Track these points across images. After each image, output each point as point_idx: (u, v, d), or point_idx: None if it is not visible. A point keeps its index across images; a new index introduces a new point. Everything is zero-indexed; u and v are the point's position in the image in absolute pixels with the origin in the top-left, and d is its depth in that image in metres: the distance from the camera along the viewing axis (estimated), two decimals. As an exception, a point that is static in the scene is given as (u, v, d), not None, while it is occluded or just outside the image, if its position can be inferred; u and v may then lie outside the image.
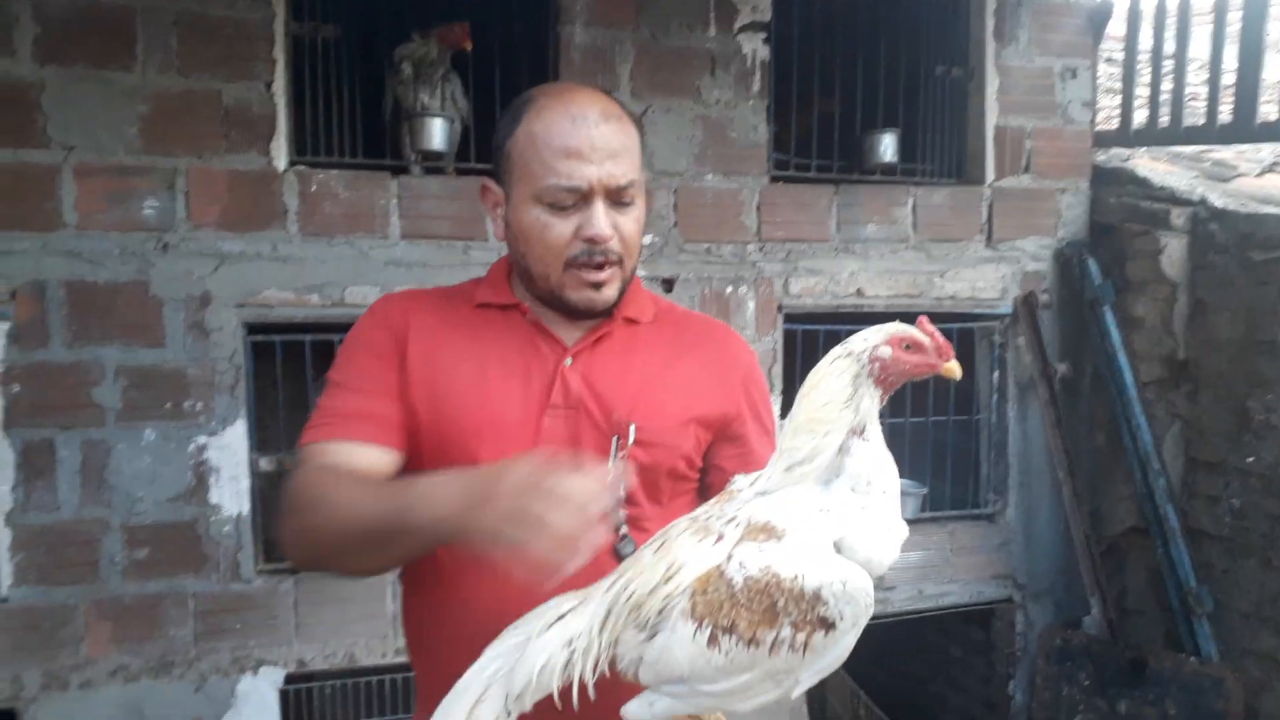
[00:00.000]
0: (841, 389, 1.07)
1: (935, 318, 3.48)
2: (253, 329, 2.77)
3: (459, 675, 1.23)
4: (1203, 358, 3.30)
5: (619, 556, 1.28)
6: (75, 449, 2.62)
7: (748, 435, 1.44)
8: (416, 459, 1.34)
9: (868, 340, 1.08)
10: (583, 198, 1.28)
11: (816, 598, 0.98)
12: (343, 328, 2.76)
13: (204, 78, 2.66)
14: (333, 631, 2.83)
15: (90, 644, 2.65)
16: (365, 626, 2.86)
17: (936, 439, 3.56)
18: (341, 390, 1.34)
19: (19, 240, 2.55)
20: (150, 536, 2.69)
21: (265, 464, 2.83)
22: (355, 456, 1.28)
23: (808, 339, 3.21)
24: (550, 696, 1.05)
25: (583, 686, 1.05)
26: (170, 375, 2.68)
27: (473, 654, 1.22)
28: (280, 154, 2.74)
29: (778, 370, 3.19)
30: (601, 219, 1.28)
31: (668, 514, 1.35)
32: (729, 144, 3.18)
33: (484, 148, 3.06)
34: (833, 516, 1.04)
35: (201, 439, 2.71)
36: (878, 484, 1.06)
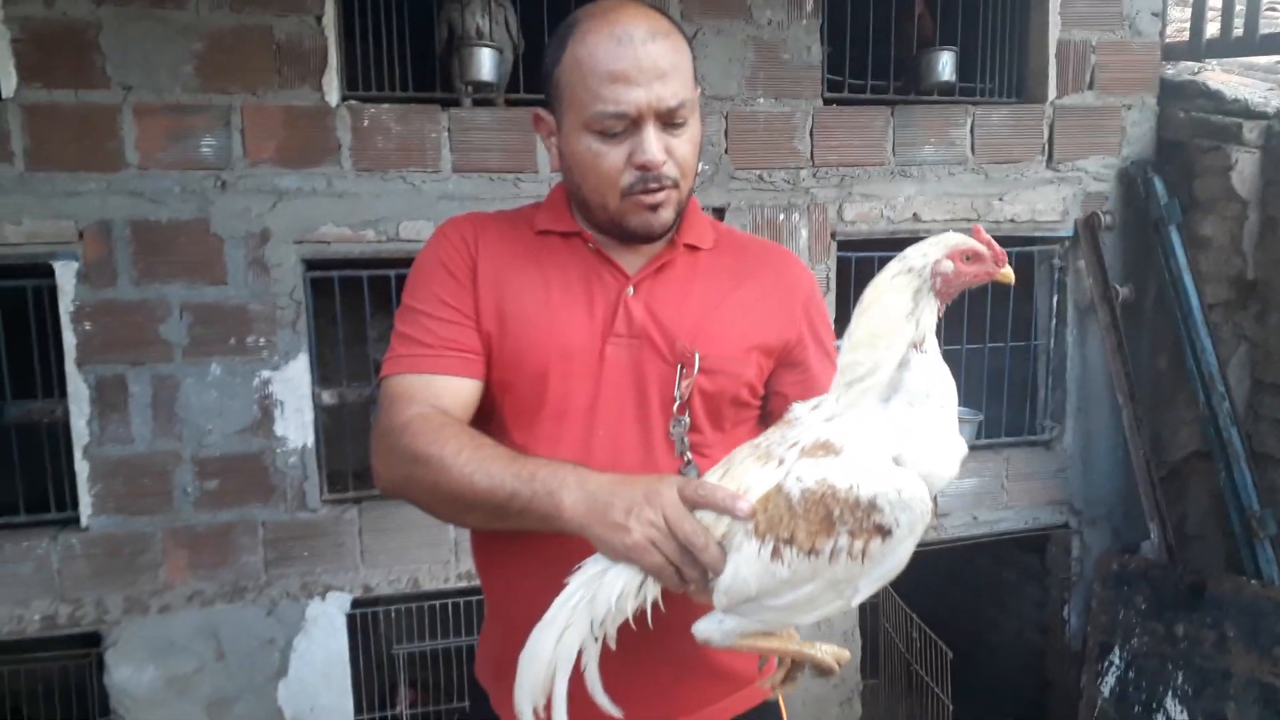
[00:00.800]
0: (903, 304, 1.08)
1: (995, 241, 3.41)
2: (311, 265, 2.84)
3: (528, 591, 1.29)
4: (1272, 277, 3.23)
5: None
6: (146, 384, 2.72)
7: (809, 360, 1.46)
8: (489, 380, 1.37)
9: (927, 255, 1.09)
10: (633, 123, 1.26)
11: (872, 505, 1.00)
12: (398, 263, 2.85)
13: (255, 13, 2.68)
14: (396, 558, 2.94)
15: (167, 570, 2.79)
16: (428, 553, 2.96)
17: (993, 365, 3.55)
18: (422, 318, 1.34)
19: (85, 181, 2.62)
20: (220, 468, 2.80)
21: (327, 397, 2.91)
22: (446, 394, 1.31)
23: (862, 266, 3.20)
24: (627, 621, 1.11)
25: (656, 609, 1.10)
26: (233, 311, 2.76)
27: (540, 571, 1.28)
28: (333, 89, 2.76)
29: (831, 299, 3.19)
30: (653, 144, 1.26)
31: (730, 440, 1.39)
32: (781, 66, 3.13)
33: (533, 78, 3.07)
34: (890, 431, 1.06)
35: (265, 373, 2.80)
36: (936, 398, 1.08)
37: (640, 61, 1.24)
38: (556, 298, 1.35)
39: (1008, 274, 1.11)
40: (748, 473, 1.10)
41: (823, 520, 1.01)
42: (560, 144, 1.35)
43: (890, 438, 1.06)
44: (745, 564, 1.05)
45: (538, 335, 1.33)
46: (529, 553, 1.32)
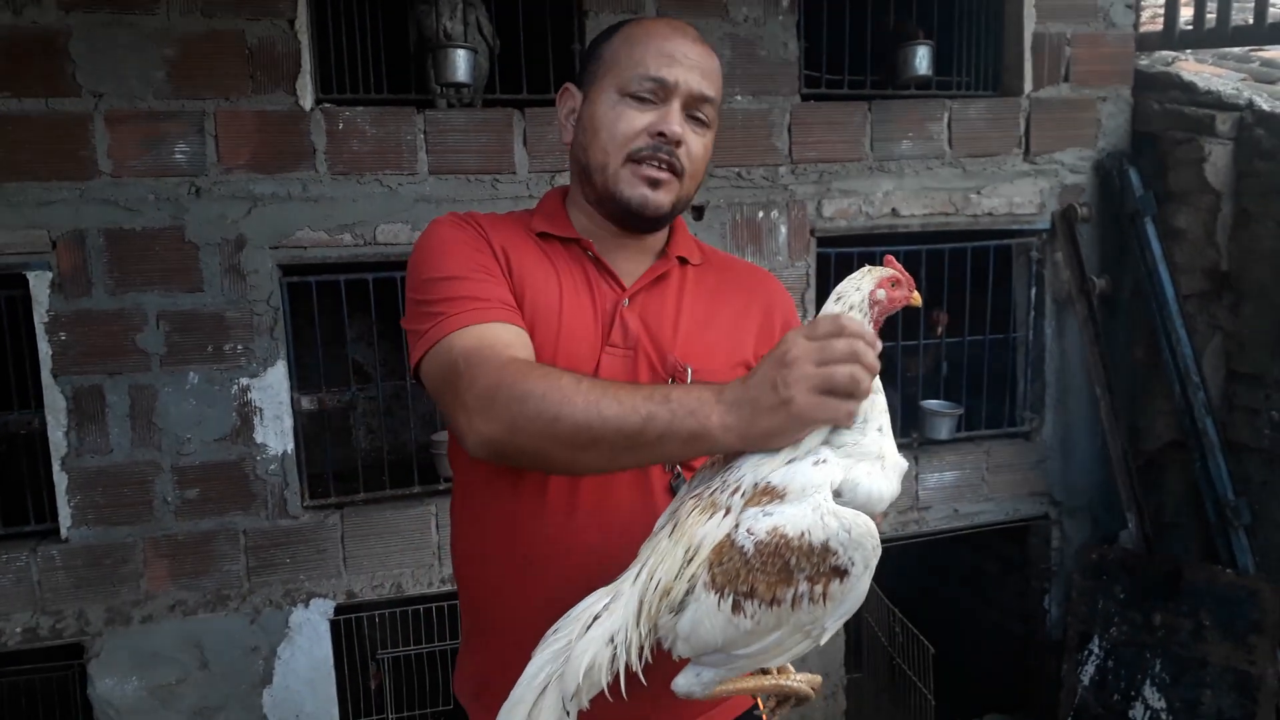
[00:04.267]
0: None
1: (972, 235, 3.57)
2: (287, 270, 2.90)
3: (506, 600, 1.36)
4: (1246, 269, 3.38)
5: (673, 492, 1.40)
6: (123, 394, 2.78)
7: None
8: None
9: (862, 288, 1.16)
10: (665, 96, 1.37)
11: (826, 549, 1.05)
12: (376, 266, 2.93)
13: (227, 17, 2.74)
14: (379, 563, 3.03)
15: (149, 580, 2.86)
16: (411, 557, 3.05)
17: (972, 358, 3.68)
18: (456, 283, 1.32)
19: (57, 190, 2.67)
20: (200, 476, 2.87)
21: (306, 403, 2.99)
22: (519, 345, 1.29)
23: (841, 262, 3.31)
24: (602, 691, 1.14)
25: (633, 675, 1.13)
26: (210, 319, 2.82)
27: (516, 578, 1.34)
28: (306, 93, 2.83)
29: (811, 296, 3.30)
30: (676, 118, 1.37)
31: None
32: (758, 63, 3.23)
33: (509, 79, 3.15)
34: (829, 464, 1.10)
35: (244, 380, 2.87)
36: (873, 420, 1.13)
37: (688, 51, 1.38)
38: (567, 301, 1.41)
39: (917, 298, 1.20)
40: (696, 526, 1.13)
41: (780, 571, 1.06)
42: (583, 110, 1.44)
43: (829, 470, 1.10)
44: (707, 617, 1.09)
45: (549, 335, 1.38)
46: (505, 558, 1.40)
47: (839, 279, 1.23)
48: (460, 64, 2.94)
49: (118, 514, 2.82)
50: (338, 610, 3.03)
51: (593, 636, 1.12)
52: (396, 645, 3.16)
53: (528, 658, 1.16)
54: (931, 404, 3.61)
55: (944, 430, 3.57)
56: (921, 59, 3.45)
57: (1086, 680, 3.48)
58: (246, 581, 2.94)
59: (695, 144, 1.40)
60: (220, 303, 2.82)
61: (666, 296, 1.47)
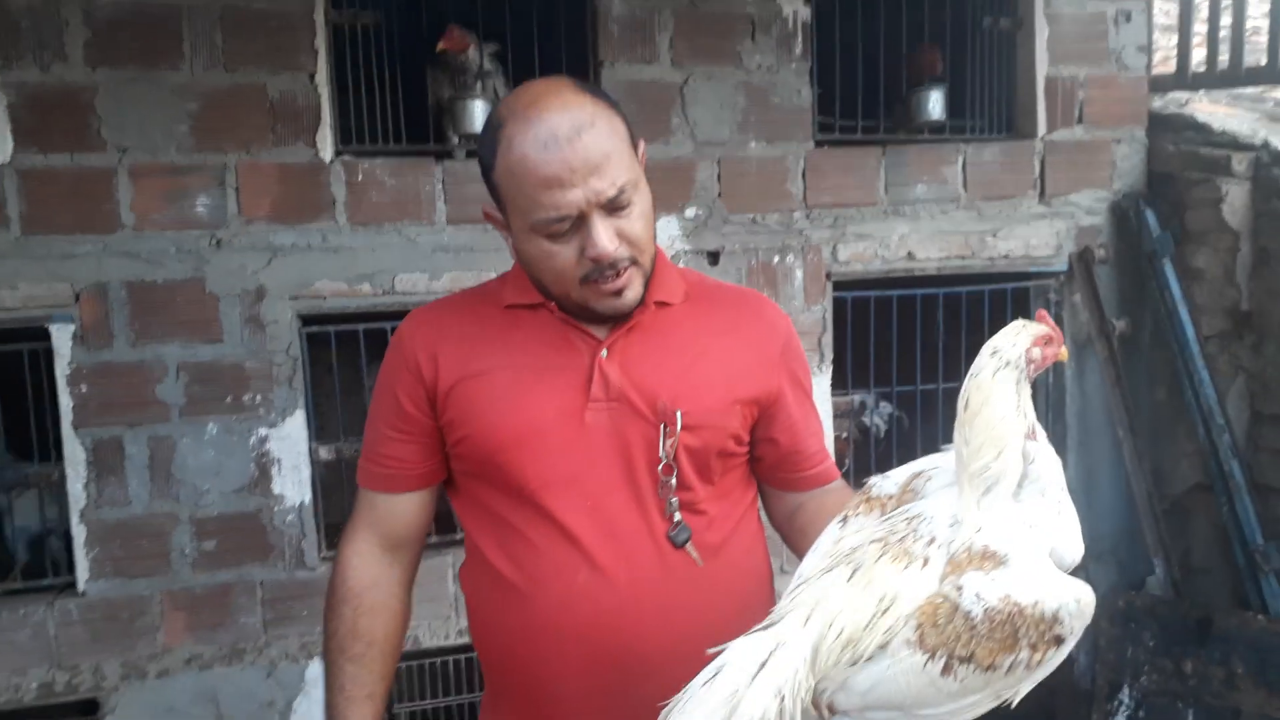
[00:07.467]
0: (1010, 397, 1.14)
1: (988, 278, 3.62)
2: (307, 320, 2.97)
3: (523, 660, 1.38)
4: (1267, 308, 3.41)
5: (674, 544, 1.41)
6: (142, 445, 2.84)
7: (791, 406, 1.54)
8: (466, 465, 1.46)
9: (1017, 345, 1.15)
10: (578, 220, 1.31)
11: (1055, 619, 1.05)
12: (394, 316, 2.99)
13: (249, 72, 2.83)
14: (397, 614, 3.04)
15: (166, 633, 2.89)
16: (427, 609, 3.07)
17: (993, 402, 3.70)
18: (375, 434, 1.52)
19: (81, 243, 2.75)
20: (217, 528, 2.91)
21: (324, 453, 3.03)
22: (392, 512, 1.52)
23: (858, 305, 3.37)
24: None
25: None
26: (229, 370, 2.88)
27: (534, 639, 1.36)
28: (326, 145, 2.91)
29: (828, 340, 3.34)
30: (601, 237, 1.31)
31: (720, 492, 1.48)
32: (772, 110, 3.30)
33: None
34: (1039, 529, 1.11)
35: (262, 431, 2.92)
36: (1058, 481, 1.15)
37: (570, 162, 1.27)
38: (526, 373, 1.42)
39: (1065, 353, 1.20)
40: (890, 576, 1.11)
41: (1007, 638, 1.05)
42: (514, 241, 1.42)
43: (1040, 534, 1.11)
44: (903, 675, 1.07)
45: (506, 415, 1.39)
46: (519, 626, 1.41)
47: (856, 322, 1.26)
48: (477, 115, 3.03)
49: (135, 566, 2.86)
50: (355, 663, 3.04)
51: (760, 687, 1.07)
52: (414, 699, 3.17)
53: None
54: (951, 447, 3.62)
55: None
56: (935, 103, 3.53)
57: (1118, 730, 3.46)
58: (263, 634, 2.96)
59: (631, 229, 1.35)
60: (240, 353, 2.89)
61: (648, 340, 1.45)
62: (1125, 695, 3.46)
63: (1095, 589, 3.56)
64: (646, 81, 3.15)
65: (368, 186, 2.94)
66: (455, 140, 3.06)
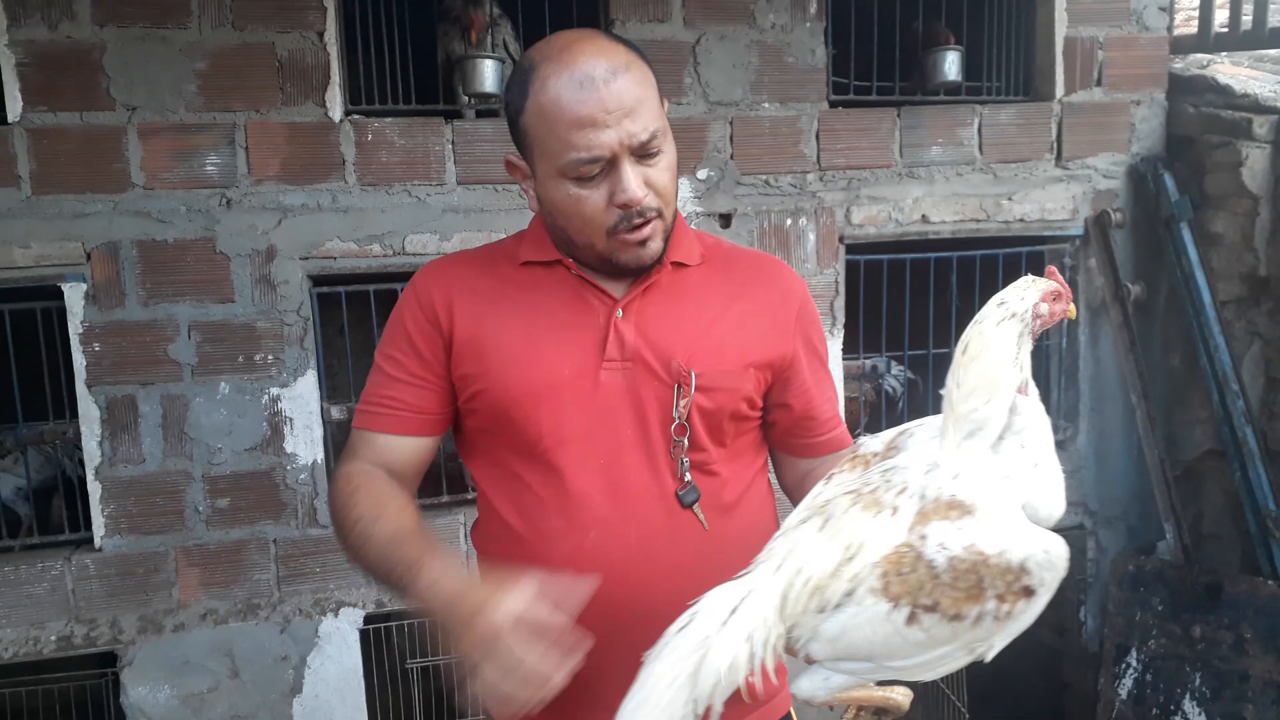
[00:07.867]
0: (1009, 349, 1.13)
1: (1003, 242, 3.59)
2: (317, 281, 2.98)
3: None
4: (1285, 275, 3.39)
5: (682, 504, 1.42)
6: (156, 404, 2.87)
7: (805, 371, 1.55)
8: (480, 420, 1.46)
9: (1025, 299, 1.15)
10: (608, 164, 1.31)
11: (1022, 569, 1.04)
12: (404, 277, 2.97)
13: (258, 30, 2.82)
14: (408, 573, 3.08)
15: (181, 589, 2.93)
16: (439, 566, 3.10)
17: (1005, 366, 3.69)
18: (383, 377, 1.48)
19: (91, 202, 2.76)
20: (231, 486, 2.95)
21: (336, 412, 3.05)
22: (388, 451, 1.47)
23: (870, 270, 3.35)
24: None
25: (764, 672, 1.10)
26: (241, 329, 2.90)
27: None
28: (335, 104, 2.90)
29: (840, 304, 3.33)
30: (632, 182, 1.31)
31: (732, 455, 1.49)
32: (786, 70, 3.27)
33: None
34: (1014, 481, 1.10)
35: (274, 390, 2.94)
36: (1043, 438, 1.14)
37: (606, 103, 1.28)
38: (543, 329, 1.43)
39: (1073, 310, 1.20)
40: (859, 523, 1.11)
41: (971, 587, 1.04)
42: (537, 189, 1.41)
43: (1015, 488, 1.10)
44: (869, 624, 1.07)
45: (522, 370, 1.41)
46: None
47: (869, 286, 1.26)
48: (488, 74, 3.00)
49: (150, 523, 2.90)
50: (367, 619, 3.09)
51: (731, 633, 1.09)
52: (425, 655, 3.22)
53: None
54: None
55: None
56: (951, 64, 3.49)
57: (1124, 694, 3.48)
58: (277, 590, 3.00)
59: (658, 178, 1.36)
60: (251, 313, 2.90)
61: (664, 301, 1.46)
62: (1133, 659, 3.48)
63: (1105, 554, 3.57)
64: (658, 41, 3.12)
65: (377, 146, 2.93)
66: (466, 100, 3.04)
